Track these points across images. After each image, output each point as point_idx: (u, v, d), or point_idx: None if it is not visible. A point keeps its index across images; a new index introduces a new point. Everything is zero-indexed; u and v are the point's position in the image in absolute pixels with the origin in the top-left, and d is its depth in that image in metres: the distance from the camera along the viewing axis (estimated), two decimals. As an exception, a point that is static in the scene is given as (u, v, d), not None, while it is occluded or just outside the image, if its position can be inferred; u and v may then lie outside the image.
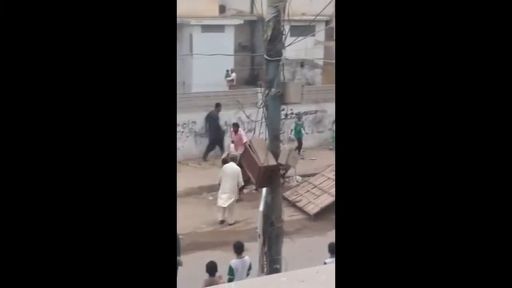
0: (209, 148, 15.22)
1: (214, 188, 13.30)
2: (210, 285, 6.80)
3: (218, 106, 15.25)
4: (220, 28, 21.22)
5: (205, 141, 15.45)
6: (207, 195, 13.17)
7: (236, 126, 14.60)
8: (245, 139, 13.52)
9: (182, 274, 8.14)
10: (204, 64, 19.63)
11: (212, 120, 15.23)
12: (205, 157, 15.12)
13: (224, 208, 11.70)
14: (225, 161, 12.61)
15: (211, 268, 7.50)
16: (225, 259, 7.93)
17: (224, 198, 11.75)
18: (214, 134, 15.22)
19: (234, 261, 7.56)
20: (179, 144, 15.11)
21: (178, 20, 21.25)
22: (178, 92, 17.71)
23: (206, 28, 21.01)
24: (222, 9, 23.23)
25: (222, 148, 15.20)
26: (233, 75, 21.54)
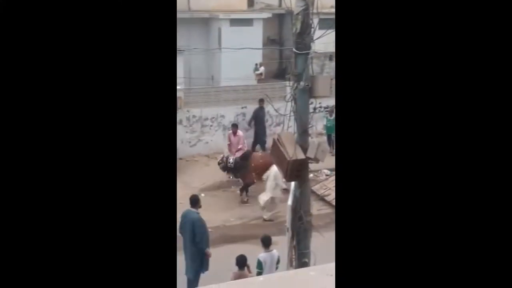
0: (255, 144, 14.92)
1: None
2: (239, 278, 6.81)
3: (261, 101, 14.66)
4: (248, 22, 21.23)
5: (233, 135, 15.50)
6: (235, 188, 13.22)
7: (235, 126, 13.88)
8: (241, 144, 13.04)
9: (211, 267, 8.27)
10: (233, 58, 19.67)
11: (258, 117, 14.83)
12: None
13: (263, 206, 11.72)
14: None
15: (241, 261, 7.53)
16: (254, 252, 7.94)
17: (262, 198, 11.75)
18: (261, 131, 14.86)
19: (262, 255, 7.56)
20: (208, 138, 15.20)
21: (207, 14, 21.39)
22: (207, 86, 17.70)
23: (234, 22, 21.04)
24: (251, 2, 23.23)
25: (263, 145, 14.82)
26: (262, 68, 21.53)
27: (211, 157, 14.69)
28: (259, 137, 14.87)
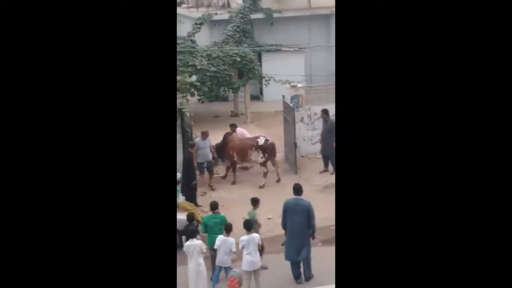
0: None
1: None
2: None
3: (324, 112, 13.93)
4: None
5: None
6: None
7: (233, 126, 14.11)
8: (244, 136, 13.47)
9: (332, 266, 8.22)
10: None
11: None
12: None
13: None
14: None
15: None
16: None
17: None
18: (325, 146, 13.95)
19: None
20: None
21: (328, 11, 21.27)
22: (328, 83, 17.50)
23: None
24: (372, -4, 22.68)
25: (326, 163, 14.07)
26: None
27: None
28: (324, 155, 13.71)
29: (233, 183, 13.25)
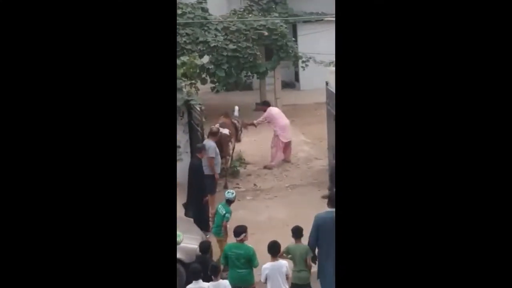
0: None
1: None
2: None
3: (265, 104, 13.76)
4: None
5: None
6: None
7: (266, 104, 13.35)
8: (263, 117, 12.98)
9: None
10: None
11: None
12: None
13: None
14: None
15: None
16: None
17: None
18: None
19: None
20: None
21: None
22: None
23: None
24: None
25: None
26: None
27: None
28: None
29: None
